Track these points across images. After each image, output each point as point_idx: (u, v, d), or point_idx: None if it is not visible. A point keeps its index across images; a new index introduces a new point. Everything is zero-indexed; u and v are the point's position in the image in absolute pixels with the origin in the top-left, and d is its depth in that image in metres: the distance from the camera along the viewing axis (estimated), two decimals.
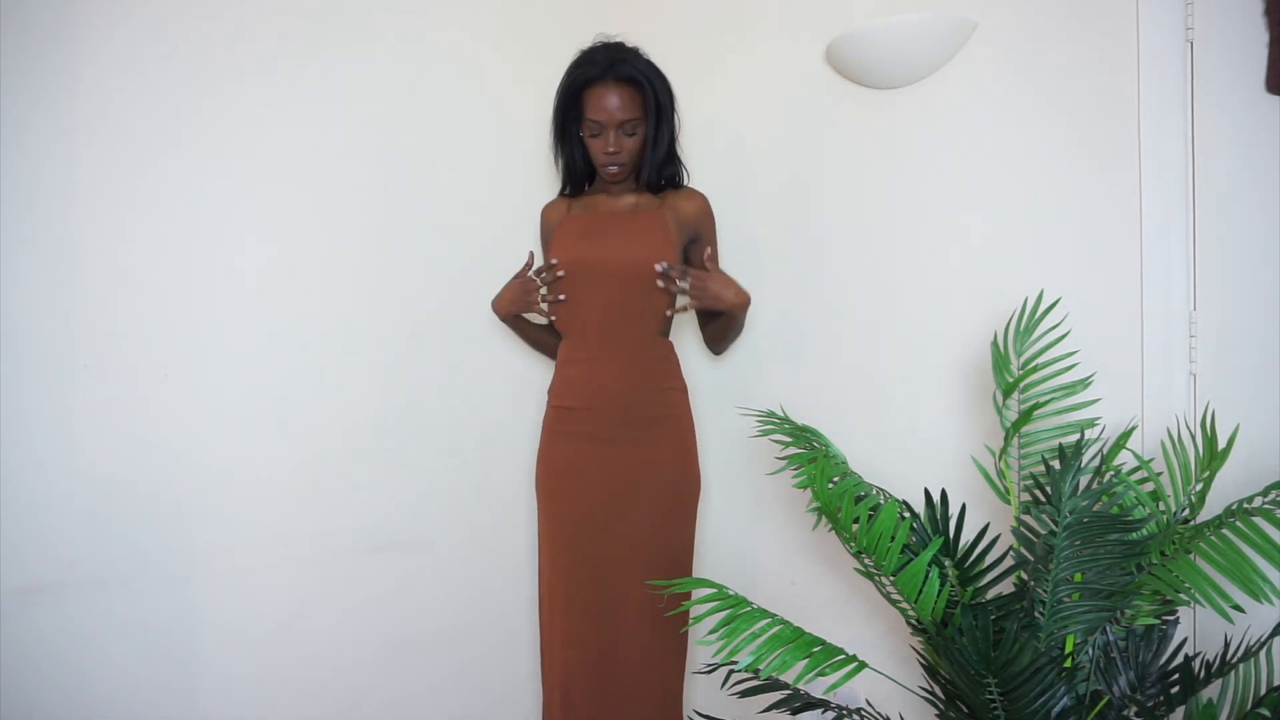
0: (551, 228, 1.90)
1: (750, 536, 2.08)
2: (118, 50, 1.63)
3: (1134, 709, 1.30)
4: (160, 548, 1.67)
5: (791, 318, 2.01)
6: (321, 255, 1.86)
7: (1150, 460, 1.39)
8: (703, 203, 1.86)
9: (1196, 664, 1.25)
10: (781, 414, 1.62)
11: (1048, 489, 1.30)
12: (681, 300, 1.77)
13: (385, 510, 1.96)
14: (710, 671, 1.41)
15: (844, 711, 1.39)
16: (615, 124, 1.76)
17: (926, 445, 1.76)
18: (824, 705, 1.39)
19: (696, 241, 1.87)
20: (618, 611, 1.77)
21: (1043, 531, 1.29)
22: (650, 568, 1.77)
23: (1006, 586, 1.44)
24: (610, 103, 1.75)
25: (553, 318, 1.86)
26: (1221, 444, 1.28)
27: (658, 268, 1.73)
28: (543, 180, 2.08)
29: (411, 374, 1.98)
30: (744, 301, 1.77)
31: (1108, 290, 1.55)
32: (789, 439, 1.55)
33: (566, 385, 1.84)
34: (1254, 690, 1.23)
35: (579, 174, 1.91)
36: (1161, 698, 1.28)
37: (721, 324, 1.87)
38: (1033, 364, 1.45)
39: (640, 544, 1.78)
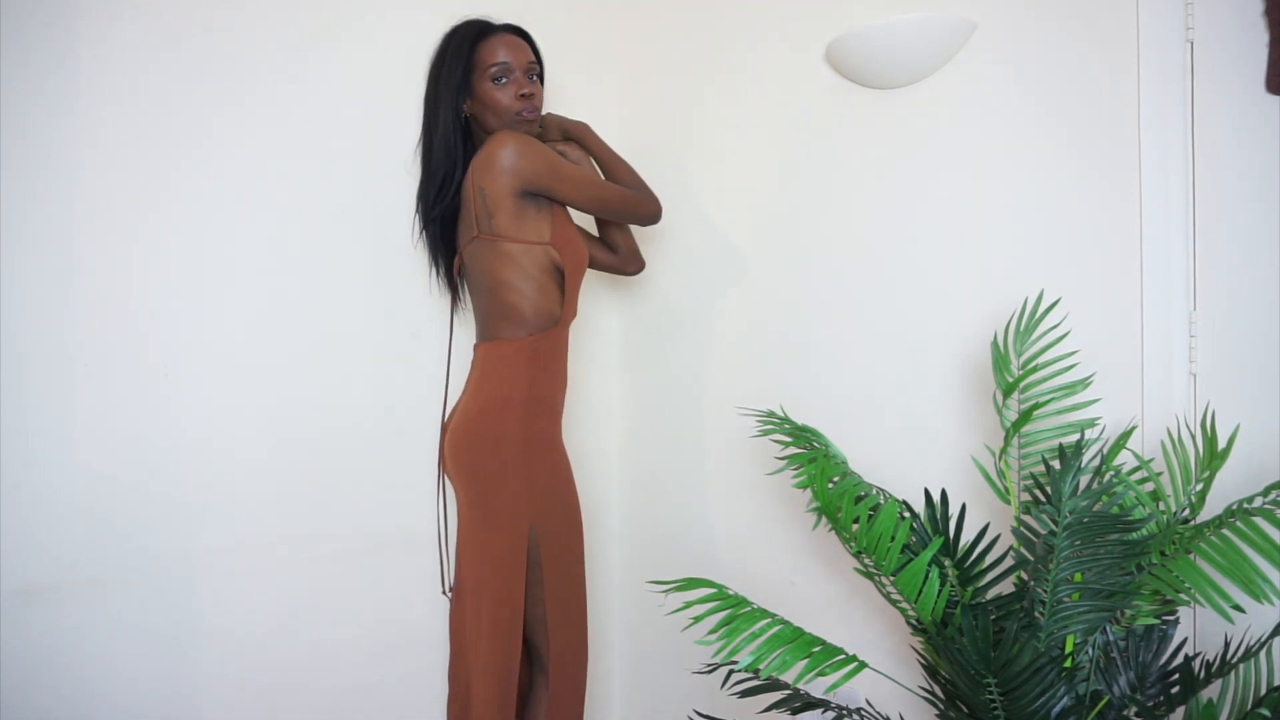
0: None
1: (750, 536, 2.08)
2: (118, 49, 1.63)
3: (1134, 709, 1.30)
4: (160, 548, 1.67)
5: (791, 317, 2.01)
6: (322, 255, 1.86)
7: (1150, 460, 1.39)
8: None
9: (1196, 664, 1.25)
10: (781, 414, 1.62)
11: (1048, 489, 1.30)
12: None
13: (386, 510, 1.95)
14: (710, 671, 1.41)
15: (844, 711, 1.39)
16: (523, 65, 1.68)
17: (926, 445, 1.76)
18: (824, 705, 1.39)
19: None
20: None
21: (1043, 531, 1.29)
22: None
23: (1006, 586, 1.44)
24: (514, 44, 1.68)
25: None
26: (1221, 444, 1.28)
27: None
28: None
29: (412, 374, 1.98)
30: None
31: (1108, 290, 1.55)
32: (789, 439, 1.55)
33: (540, 377, 1.70)
34: (1254, 690, 1.23)
35: (457, 160, 1.72)
36: (1161, 698, 1.28)
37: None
38: (1033, 364, 1.45)
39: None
